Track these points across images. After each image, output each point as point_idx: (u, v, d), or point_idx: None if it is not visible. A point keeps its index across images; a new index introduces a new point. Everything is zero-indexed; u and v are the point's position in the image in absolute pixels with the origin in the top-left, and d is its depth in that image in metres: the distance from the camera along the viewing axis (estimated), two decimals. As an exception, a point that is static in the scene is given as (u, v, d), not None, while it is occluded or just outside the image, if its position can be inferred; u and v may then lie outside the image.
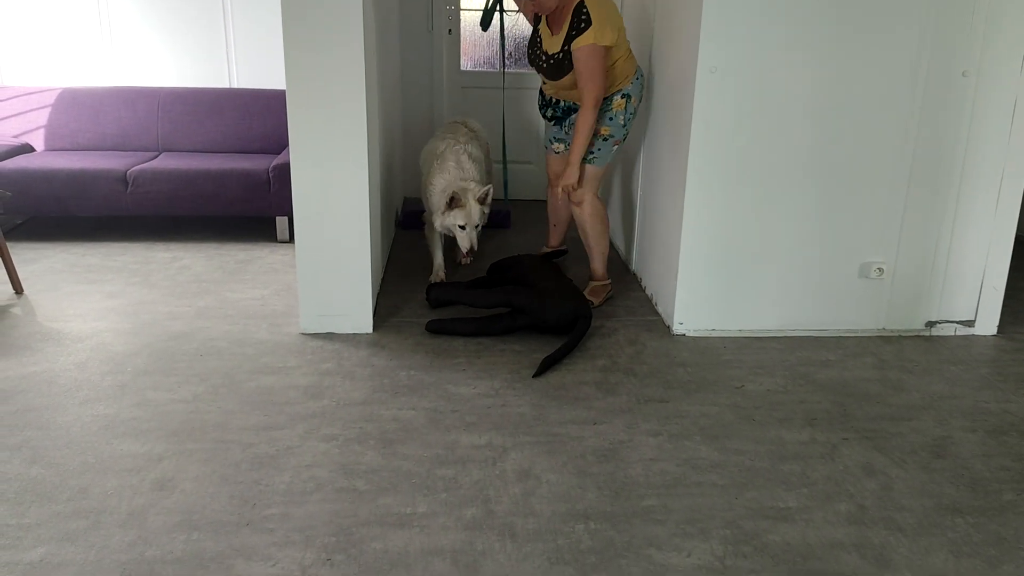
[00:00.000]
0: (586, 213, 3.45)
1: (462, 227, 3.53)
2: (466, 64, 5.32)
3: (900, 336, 3.22)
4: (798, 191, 3.04)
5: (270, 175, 4.31)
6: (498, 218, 4.60)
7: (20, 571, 1.76)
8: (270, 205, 4.36)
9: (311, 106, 2.86)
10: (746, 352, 3.03)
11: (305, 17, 2.76)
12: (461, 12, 5.20)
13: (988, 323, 3.24)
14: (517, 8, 3.41)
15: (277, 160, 4.38)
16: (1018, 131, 3.01)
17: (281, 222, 4.44)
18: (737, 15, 2.82)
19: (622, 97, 3.31)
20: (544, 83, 3.54)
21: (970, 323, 3.25)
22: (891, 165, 3.03)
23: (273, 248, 4.32)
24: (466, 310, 3.28)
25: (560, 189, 3.38)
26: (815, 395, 2.70)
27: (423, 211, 3.89)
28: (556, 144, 3.66)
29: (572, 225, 4.62)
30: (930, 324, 3.24)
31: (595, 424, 2.46)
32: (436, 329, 3.13)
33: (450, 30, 5.20)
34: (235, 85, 5.09)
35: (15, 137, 4.81)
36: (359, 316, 3.12)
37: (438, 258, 3.73)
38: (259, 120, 4.88)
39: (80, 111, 4.83)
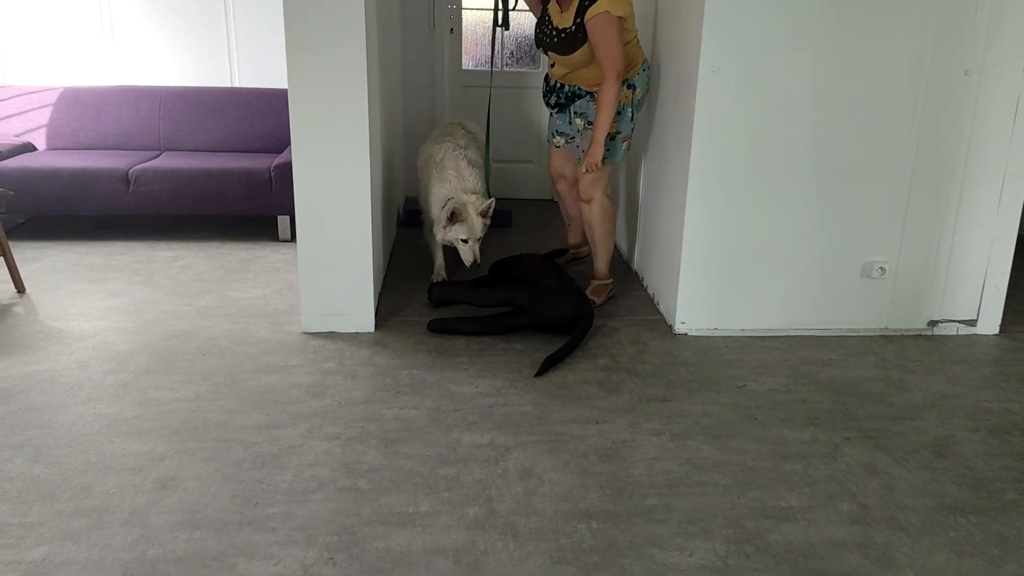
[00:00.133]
0: (595, 211, 3.44)
1: (464, 240, 3.46)
2: (467, 63, 5.31)
3: (902, 335, 3.22)
4: (800, 190, 3.03)
5: (272, 174, 4.31)
6: (499, 217, 4.59)
7: (23, 570, 1.76)
8: (272, 204, 4.36)
9: (313, 105, 2.86)
10: (748, 351, 3.03)
11: (307, 16, 2.76)
12: (463, 11, 5.20)
13: (990, 322, 3.24)
14: (527, 7, 3.39)
15: (279, 159, 4.39)
16: (1020, 130, 3.01)
17: (283, 221, 4.44)
18: (739, 14, 2.82)
19: (628, 88, 3.26)
20: (551, 66, 3.41)
21: (972, 322, 3.25)
22: (893, 164, 3.03)
23: (275, 247, 4.32)
24: (468, 309, 3.28)
25: (583, 168, 3.27)
26: (817, 394, 2.70)
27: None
28: (557, 138, 3.60)
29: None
30: (932, 323, 3.24)
31: (597, 423, 2.46)
32: (438, 328, 3.13)
33: (452, 29, 5.20)
34: (237, 84, 5.10)
35: (17, 136, 4.82)
36: (361, 315, 3.12)
37: (439, 258, 3.72)
38: (261, 119, 4.88)
39: (82, 110, 4.84)
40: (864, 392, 2.72)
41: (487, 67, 5.32)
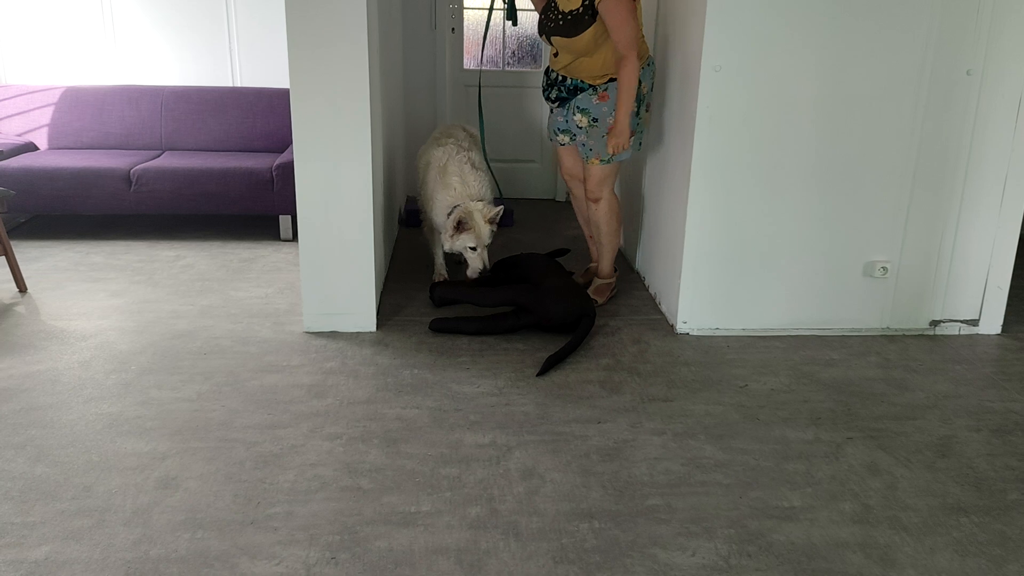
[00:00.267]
0: (603, 210, 3.42)
1: (472, 248, 3.36)
2: (469, 63, 5.32)
3: (904, 335, 3.21)
4: (802, 190, 3.03)
5: (273, 174, 4.32)
6: (501, 217, 4.57)
7: (25, 569, 1.76)
8: (273, 204, 4.36)
9: (315, 105, 2.86)
10: (750, 351, 3.02)
11: (309, 15, 2.76)
12: (464, 11, 5.20)
13: (992, 322, 3.24)
14: (531, 3, 3.37)
15: (280, 159, 4.39)
16: (1022, 129, 3.00)
17: (284, 221, 4.44)
18: (741, 13, 2.82)
19: None
20: (554, 55, 3.32)
21: (974, 322, 3.24)
22: (895, 164, 3.02)
23: (276, 247, 4.32)
24: (470, 309, 3.28)
25: (610, 149, 3.19)
26: (819, 394, 2.70)
27: None
28: (561, 136, 3.45)
29: (574, 224, 4.63)
30: (934, 323, 3.24)
31: (599, 423, 2.46)
32: (440, 328, 3.13)
33: (453, 28, 5.20)
34: (239, 84, 5.10)
35: (19, 136, 4.82)
36: (362, 315, 3.12)
37: (439, 257, 3.71)
38: (262, 119, 4.88)
39: (84, 110, 4.84)
40: (866, 392, 2.72)
41: (489, 67, 5.32)
